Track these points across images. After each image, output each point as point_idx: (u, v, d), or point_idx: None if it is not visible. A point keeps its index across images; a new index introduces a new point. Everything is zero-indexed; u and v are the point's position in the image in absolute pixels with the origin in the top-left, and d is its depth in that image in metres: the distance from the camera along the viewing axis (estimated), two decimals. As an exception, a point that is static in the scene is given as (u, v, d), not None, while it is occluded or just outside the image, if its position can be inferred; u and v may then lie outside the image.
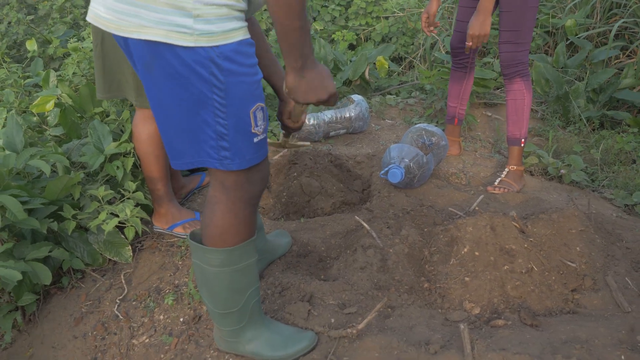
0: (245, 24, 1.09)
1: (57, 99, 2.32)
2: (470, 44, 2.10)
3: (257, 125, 1.12)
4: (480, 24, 2.05)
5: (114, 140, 2.07)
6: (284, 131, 1.52)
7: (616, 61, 3.51)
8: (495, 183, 2.32)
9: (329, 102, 1.14)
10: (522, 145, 2.31)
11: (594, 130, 3.05)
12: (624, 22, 3.39)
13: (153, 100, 1.12)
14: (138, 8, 1.00)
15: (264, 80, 1.36)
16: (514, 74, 2.22)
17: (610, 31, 3.39)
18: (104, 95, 1.87)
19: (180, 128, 1.11)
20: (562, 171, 2.49)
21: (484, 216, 1.73)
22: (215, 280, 1.28)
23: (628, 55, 3.54)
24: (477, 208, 2.05)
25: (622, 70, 3.35)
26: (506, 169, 2.35)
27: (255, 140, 1.13)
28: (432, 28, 2.42)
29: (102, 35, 1.74)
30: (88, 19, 1.13)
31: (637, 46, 3.42)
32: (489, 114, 3.31)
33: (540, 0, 4.15)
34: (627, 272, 1.68)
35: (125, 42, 1.07)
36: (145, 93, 1.13)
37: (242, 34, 1.06)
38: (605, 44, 3.56)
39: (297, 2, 0.99)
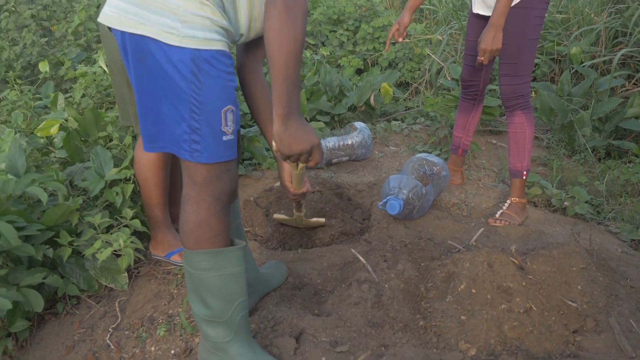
0: (226, 39, 1.21)
1: (64, 121, 2.35)
2: (482, 58, 2.08)
3: (227, 125, 1.23)
4: (492, 39, 2.02)
5: (116, 165, 2.08)
6: (294, 203, 1.61)
7: (622, 89, 3.49)
8: (497, 215, 2.29)
9: (314, 154, 1.23)
10: (524, 177, 2.29)
11: (600, 160, 3.02)
12: (628, 50, 3.37)
13: (138, 89, 1.24)
14: (138, 8, 1.15)
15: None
16: (514, 106, 2.21)
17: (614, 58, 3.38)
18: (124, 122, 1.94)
19: (158, 117, 1.24)
20: (566, 203, 2.46)
21: (481, 252, 1.70)
22: (201, 285, 1.33)
23: (634, 84, 3.52)
24: (474, 243, 2.02)
25: (628, 99, 3.33)
26: (508, 201, 2.33)
27: (224, 138, 1.24)
28: (400, 39, 2.42)
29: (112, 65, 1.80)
30: (99, 19, 1.26)
31: (643, 76, 3.40)
32: (494, 142, 3.30)
33: (545, 27, 4.16)
34: (631, 313, 1.63)
35: (122, 35, 1.20)
36: (133, 82, 1.25)
37: (221, 46, 1.19)
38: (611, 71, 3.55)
39: (295, 54, 1.10)
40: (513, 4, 2.07)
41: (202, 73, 1.16)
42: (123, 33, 1.19)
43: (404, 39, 2.39)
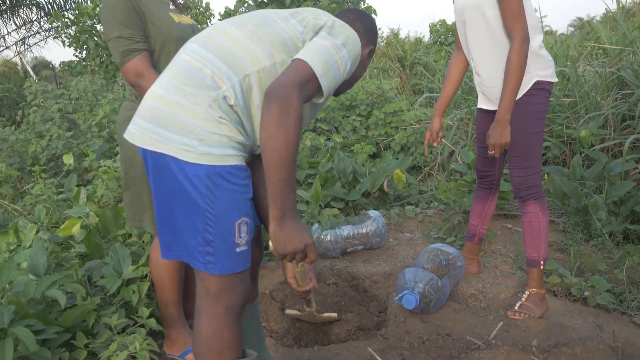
0: (242, 153, 1.27)
1: (85, 216, 2.43)
2: (493, 152, 2.13)
3: (240, 237, 1.27)
4: (500, 134, 2.08)
5: (134, 262, 2.12)
6: (303, 299, 1.62)
7: (634, 172, 3.50)
8: (516, 307, 2.25)
9: (308, 253, 1.23)
10: (542, 267, 2.26)
11: (618, 244, 2.99)
12: (636, 137, 3.42)
13: (157, 200, 1.31)
14: (159, 128, 1.23)
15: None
16: (527, 197, 2.23)
17: (625, 142, 3.42)
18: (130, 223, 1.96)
19: (174, 228, 1.29)
20: (586, 293, 2.41)
21: (500, 351, 1.66)
22: None
23: (647, 167, 3.53)
24: (494, 340, 1.97)
25: (642, 182, 3.34)
26: (527, 292, 2.29)
27: (238, 250, 1.27)
28: (435, 144, 2.52)
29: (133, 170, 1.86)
30: (125, 135, 1.33)
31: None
32: (509, 226, 3.29)
33: (553, 111, 4.26)
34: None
35: (144, 151, 1.29)
36: (152, 192, 1.31)
37: (237, 160, 1.24)
38: (622, 154, 3.58)
39: (288, 159, 1.15)
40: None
41: (217, 188, 1.21)
42: (144, 149, 1.28)
43: (439, 143, 2.50)
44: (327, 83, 1.26)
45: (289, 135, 1.14)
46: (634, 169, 3.51)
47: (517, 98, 2.12)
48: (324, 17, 1.38)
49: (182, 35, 1.83)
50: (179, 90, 1.24)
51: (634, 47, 3.64)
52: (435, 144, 2.52)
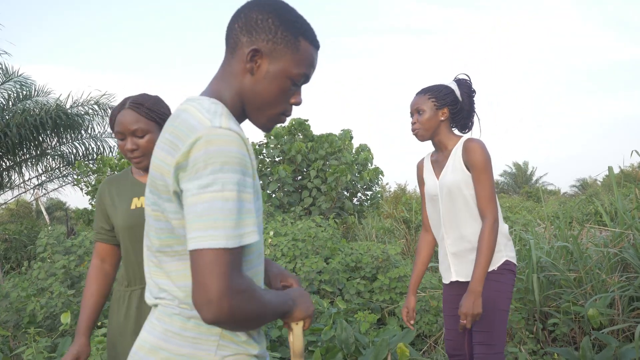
0: None
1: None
2: (465, 322, 2.14)
3: None
4: (472, 305, 2.12)
5: None
6: None
7: (648, 358, 3.36)
8: None
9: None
10: None
11: None
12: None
13: None
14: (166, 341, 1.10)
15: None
16: None
17: (634, 326, 3.34)
18: None
19: None
20: None
21: None
22: None
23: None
24: None
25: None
26: None
27: None
28: (411, 322, 2.53)
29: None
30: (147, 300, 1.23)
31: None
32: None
33: (558, 286, 4.23)
34: None
35: None
36: None
37: None
38: (632, 337, 3.47)
39: (266, 316, 1.05)
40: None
41: None
42: None
43: (415, 321, 2.54)
44: (240, 229, 0.99)
45: (259, 318, 1.03)
46: (647, 355, 3.37)
47: (488, 272, 2.22)
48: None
49: (132, 224, 1.86)
50: None
51: (633, 230, 3.73)
52: (412, 322, 2.54)
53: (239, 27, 1.15)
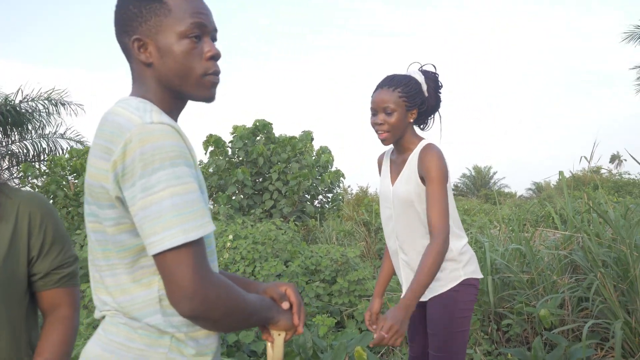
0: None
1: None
2: (385, 334, 1.72)
3: None
4: (402, 320, 1.76)
5: None
6: None
7: (595, 356, 3.48)
8: None
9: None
10: None
11: None
12: (594, 322, 3.46)
13: None
14: None
15: None
16: None
17: (583, 325, 3.45)
18: None
19: None
20: None
21: None
22: None
23: (607, 351, 3.53)
24: None
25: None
26: None
27: None
28: (374, 327, 2.26)
29: None
30: None
31: (612, 345, 3.43)
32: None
33: (513, 287, 4.33)
34: None
35: None
36: None
37: None
38: (581, 336, 3.58)
39: (243, 317, 1.05)
40: (439, 292, 2.07)
41: None
42: None
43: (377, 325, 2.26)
44: (195, 221, 0.97)
45: (240, 315, 1.04)
46: (594, 354, 3.49)
47: (443, 292, 2.07)
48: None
49: None
50: None
51: (582, 233, 3.86)
52: (374, 327, 2.25)
53: (118, 32, 1.15)
